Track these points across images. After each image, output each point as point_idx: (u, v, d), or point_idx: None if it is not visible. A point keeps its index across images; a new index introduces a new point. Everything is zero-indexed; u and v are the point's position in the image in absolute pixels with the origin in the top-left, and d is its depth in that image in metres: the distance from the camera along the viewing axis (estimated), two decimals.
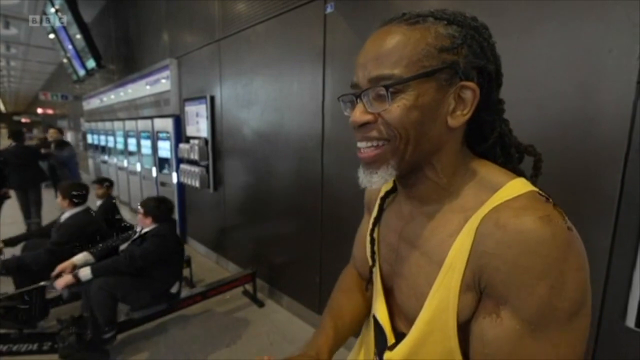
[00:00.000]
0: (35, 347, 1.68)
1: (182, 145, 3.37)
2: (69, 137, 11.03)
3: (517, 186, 0.42)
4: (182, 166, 3.41)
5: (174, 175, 3.70)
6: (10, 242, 2.39)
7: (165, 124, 3.76)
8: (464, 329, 0.43)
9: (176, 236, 2.19)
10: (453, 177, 0.46)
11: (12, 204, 3.79)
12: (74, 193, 2.27)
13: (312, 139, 2.04)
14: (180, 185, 3.68)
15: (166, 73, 3.59)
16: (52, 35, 5.67)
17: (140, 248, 1.93)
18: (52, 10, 4.55)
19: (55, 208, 3.09)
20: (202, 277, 2.94)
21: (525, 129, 0.73)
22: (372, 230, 0.59)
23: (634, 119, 0.93)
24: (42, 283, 1.91)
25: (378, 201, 0.59)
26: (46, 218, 3.82)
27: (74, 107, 9.33)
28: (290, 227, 2.34)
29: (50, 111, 13.20)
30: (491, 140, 0.48)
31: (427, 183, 0.47)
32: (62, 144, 4.35)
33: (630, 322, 0.94)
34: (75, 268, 1.91)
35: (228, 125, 2.89)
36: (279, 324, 2.29)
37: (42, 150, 4.36)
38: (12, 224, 3.80)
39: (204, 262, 3.35)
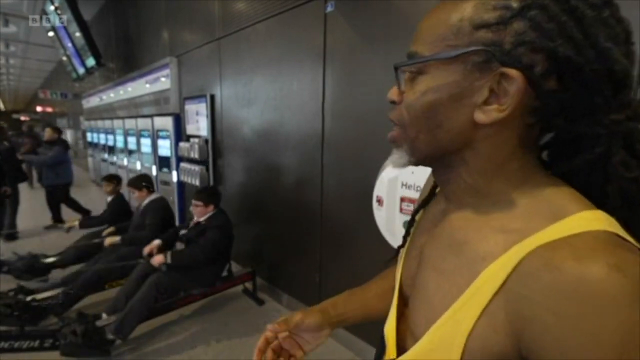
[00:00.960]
0: (36, 344, 1.69)
1: (182, 144, 3.38)
2: (68, 135, 11.03)
3: (589, 220, 0.30)
4: (182, 165, 3.42)
5: (174, 174, 3.71)
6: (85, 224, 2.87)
7: (165, 123, 3.77)
8: None
9: (231, 221, 2.34)
10: (494, 181, 0.36)
11: None
12: (144, 183, 2.64)
13: (311, 138, 2.05)
14: (181, 184, 3.69)
15: (166, 71, 3.60)
16: (51, 33, 5.66)
17: (210, 239, 2.11)
18: (52, 8, 4.55)
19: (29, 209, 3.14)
20: None
21: None
22: (416, 212, 0.51)
23: None
24: (140, 260, 2.20)
25: (431, 183, 0.51)
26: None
27: (73, 106, 9.33)
28: (290, 225, 2.35)
29: (49, 109, 13.20)
30: (579, 161, 0.34)
31: (459, 182, 0.39)
32: (51, 143, 4.27)
33: None
34: (159, 250, 2.15)
35: (228, 124, 2.90)
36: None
37: (19, 154, 4.31)
38: None
39: None
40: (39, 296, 2.05)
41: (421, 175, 1.48)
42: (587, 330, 0.25)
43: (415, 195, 1.50)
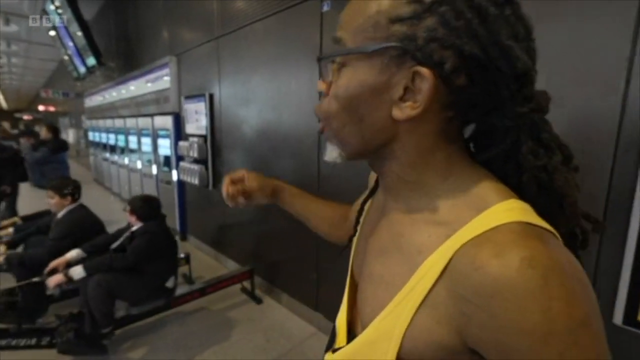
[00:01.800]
0: (34, 342, 1.70)
1: (181, 143, 3.38)
2: (70, 134, 11.07)
3: (506, 210, 0.32)
4: (182, 164, 3.43)
5: (174, 173, 3.72)
6: (13, 244, 2.43)
7: (165, 122, 3.78)
8: None
9: (166, 231, 2.20)
10: (423, 176, 0.37)
11: None
12: (67, 190, 2.26)
13: (309, 137, 2.05)
14: (181, 183, 3.70)
15: (166, 70, 3.61)
16: (52, 33, 5.68)
17: (131, 246, 1.97)
18: (52, 7, 4.57)
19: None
20: (201, 274, 2.96)
21: None
22: (364, 202, 0.53)
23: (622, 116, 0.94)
24: (35, 279, 1.93)
25: (375, 177, 0.53)
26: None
27: (75, 105, 9.36)
28: (287, 224, 2.36)
29: (52, 108, 13.24)
30: (494, 151, 0.36)
31: (392, 175, 0.40)
32: (44, 143, 4.26)
33: (618, 319, 0.96)
34: (69, 265, 1.95)
35: (227, 123, 2.90)
36: (276, 320, 2.31)
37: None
38: None
39: (204, 259, 3.37)
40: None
41: None
42: (514, 324, 0.27)
43: None
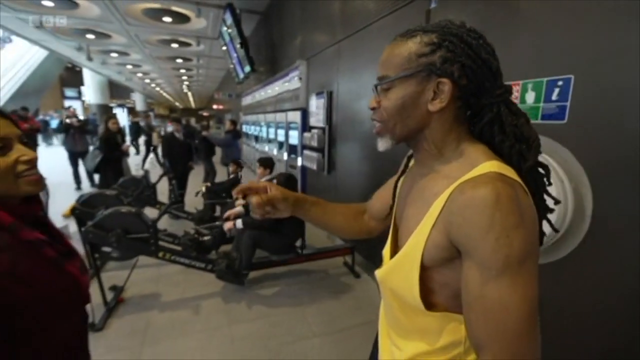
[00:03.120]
0: (203, 265, 2.52)
1: (305, 134, 3.99)
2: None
3: (488, 166, 0.51)
4: (305, 152, 4.05)
5: (299, 160, 4.41)
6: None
7: (295, 116, 4.49)
8: (427, 272, 0.55)
9: None
10: (443, 149, 0.58)
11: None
12: (267, 165, 3.33)
13: None
14: (304, 168, 4.36)
15: (297, 72, 4.28)
16: (224, 47, 7.40)
17: None
18: (225, 29, 5.99)
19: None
20: (312, 242, 3.50)
21: None
22: (398, 179, 0.76)
23: None
24: (217, 223, 2.90)
25: (405, 160, 0.75)
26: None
27: (235, 104, 11.80)
28: None
29: (221, 107, 17.00)
30: (485, 119, 0.56)
31: (422, 151, 0.61)
32: (227, 132, 5.87)
33: None
34: (238, 216, 2.80)
35: (342, 116, 3.29)
36: (369, 294, 2.58)
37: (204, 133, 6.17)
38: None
39: (317, 233, 3.93)
40: (205, 238, 2.96)
41: None
42: (477, 224, 0.47)
43: None
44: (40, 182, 0.65)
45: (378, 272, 0.66)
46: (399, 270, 0.59)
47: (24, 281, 0.58)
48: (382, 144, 0.62)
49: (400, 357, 0.65)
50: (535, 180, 0.56)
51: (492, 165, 0.51)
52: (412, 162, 0.74)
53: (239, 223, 2.66)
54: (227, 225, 2.72)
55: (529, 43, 1.42)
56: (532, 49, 1.42)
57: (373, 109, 0.62)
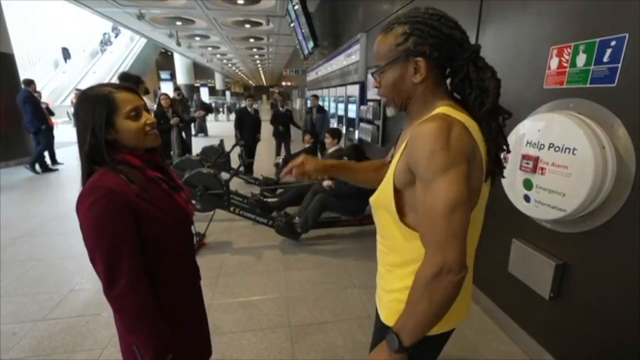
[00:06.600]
0: (265, 220, 2.97)
1: (362, 107, 4.11)
2: (297, 102, 14.45)
3: (438, 110, 0.69)
4: (361, 124, 4.18)
5: (356, 133, 4.56)
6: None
7: (354, 90, 4.60)
8: (399, 194, 0.73)
9: None
10: (424, 107, 0.75)
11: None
12: (335, 134, 3.70)
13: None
14: (359, 141, 4.51)
15: (357, 46, 4.33)
16: (292, 24, 7.68)
17: (347, 185, 3.00)
18: (291, 6, 6.23)
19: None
20: None
21: None
22: (398, 137, 0.90)
23: None
24: (315, 182, 3.32)
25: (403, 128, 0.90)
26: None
27: (301, 80, 12.20)
28: None
29: (289, 83, 17.67)
30: (457, 78, 0.73)
31: (412, 110, 0.78)
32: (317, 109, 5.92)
33: None
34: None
35: None
36: None
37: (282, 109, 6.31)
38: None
39: None
40: (270, 200, 3.41)
41: (546, 134, 1.45)
42: (419, 149, 0.64)
43: (536, 153, 1.49)
44: (158, 138, 0.92)
45: (371, 198, 0.84)
46: (382, 189, 0.77)
47: (149, 201, 0.85)
48: (390, 111, 0.82)
49: (379, 273, 0.87)
50: (489, 123, 0.70)
51: (442, 109, 0.69)
52: None
53: (328, 182, 3.06)
54: (326, 183, 3.10)
55: (582, 2, 1.35)
56: (585, 8, 1.35)
57: (376, 87, 0.81)
